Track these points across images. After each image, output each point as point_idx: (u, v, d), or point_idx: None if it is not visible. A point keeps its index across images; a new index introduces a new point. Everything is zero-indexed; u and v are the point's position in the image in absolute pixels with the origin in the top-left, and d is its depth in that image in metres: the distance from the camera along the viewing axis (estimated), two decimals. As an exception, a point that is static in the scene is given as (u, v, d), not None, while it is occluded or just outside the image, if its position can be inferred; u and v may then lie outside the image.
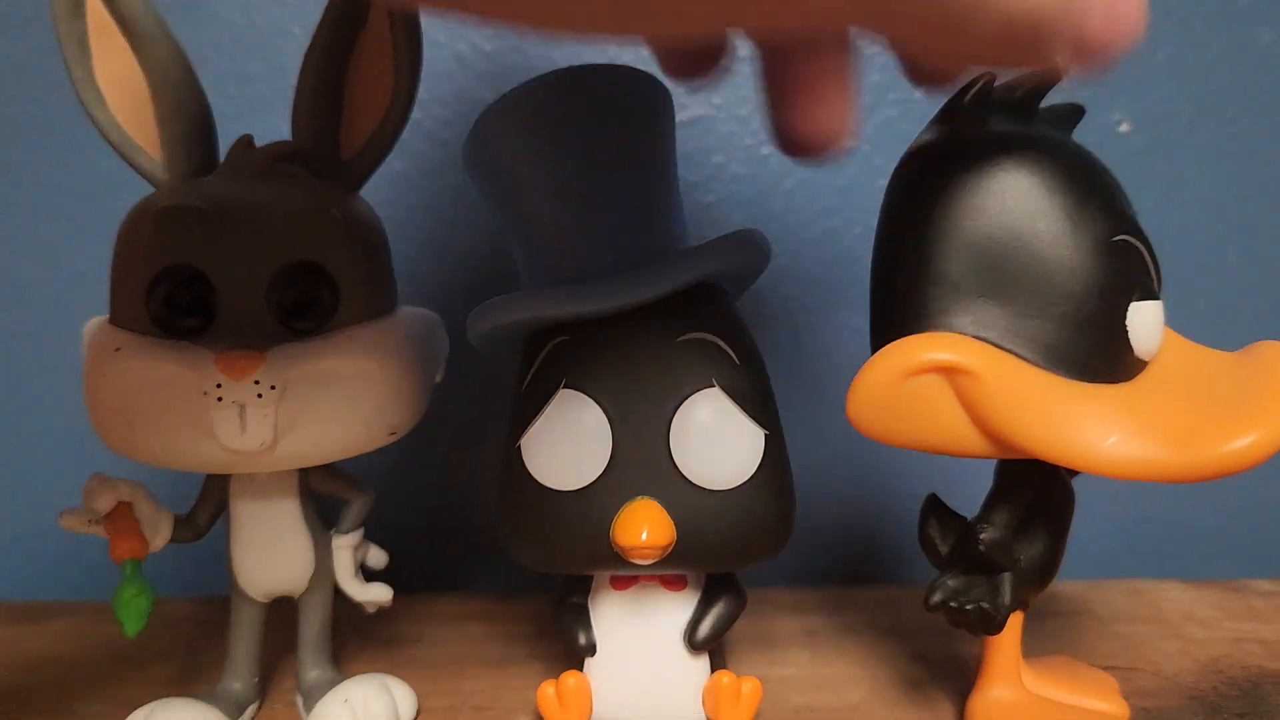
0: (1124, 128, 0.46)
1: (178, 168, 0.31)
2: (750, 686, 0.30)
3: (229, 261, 0.29)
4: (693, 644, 0.30)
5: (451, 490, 0.48)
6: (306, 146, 0.31)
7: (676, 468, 0.28)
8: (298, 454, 0.29)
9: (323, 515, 0.33)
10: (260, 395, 0.28)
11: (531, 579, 0.47)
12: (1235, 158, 0.46)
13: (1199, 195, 0.46)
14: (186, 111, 0.31)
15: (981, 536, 0.29)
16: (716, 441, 0.28)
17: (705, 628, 0.30)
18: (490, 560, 0.48)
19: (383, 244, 0.32)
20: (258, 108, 0.44)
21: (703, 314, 0.29)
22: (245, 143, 0.31)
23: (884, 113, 0.46)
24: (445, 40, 0.44)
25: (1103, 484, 0.29)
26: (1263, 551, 0.48)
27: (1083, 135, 0.30)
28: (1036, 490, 0.30)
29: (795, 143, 0.22)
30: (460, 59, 0.44)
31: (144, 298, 0.29)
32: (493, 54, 0.45)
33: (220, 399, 0.28)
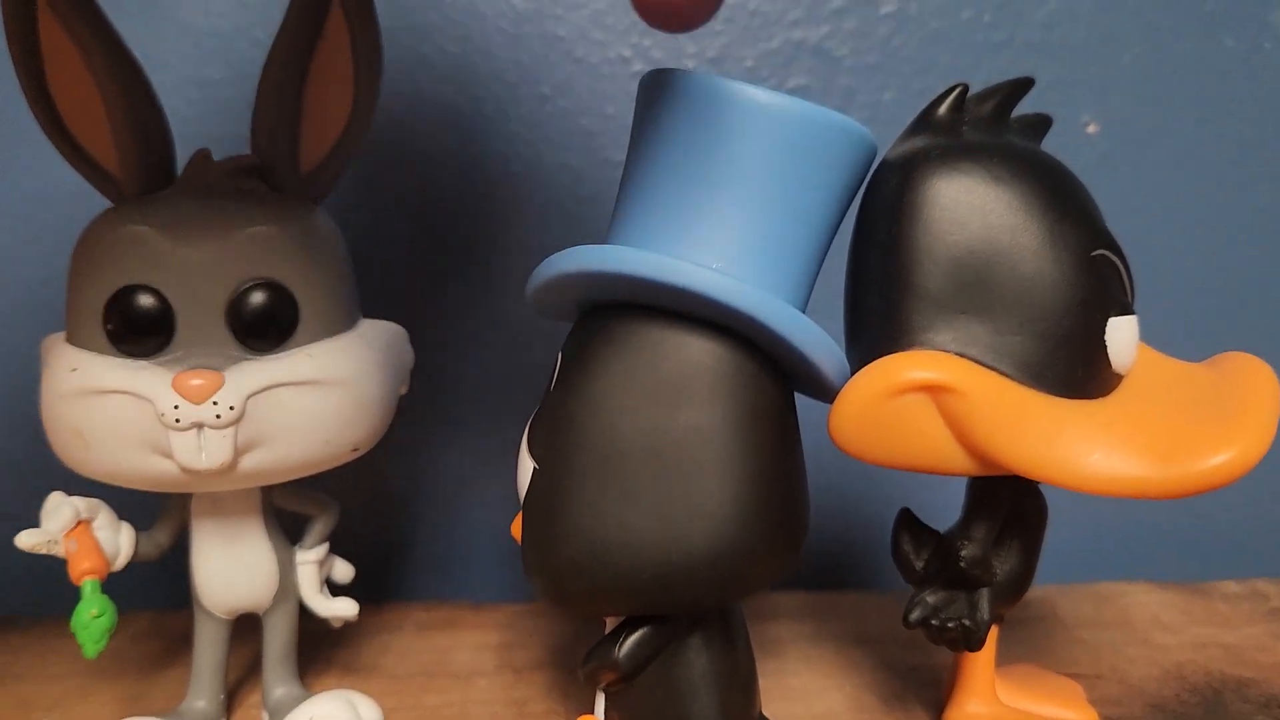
0: (1091, 128, 0.46)
1: (134, 182, 0.30)
2: None
3: (186, 281, 0.28)
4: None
5: (419, 497, 0.48)
6: (265, 160, 0.31)
7: None
8: (257, 473, 0.29)
9: (286, 530, 0.33)
10: (218, 416, 0.27)
11: (497, 587, 0.47)
12: (1200, 162, 0.46)
13: (1164, 199, 0.46)
14: (142, 125, 0.30)
15: (963, 554, 0.29)
16: None
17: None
18: (457, 568, 0.48)
19: (343, 258, 0.32)
20: (218, 112, 0.43)
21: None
22: (202, 156, 0.31)
23: (853, 115, 0.45)
24: (410, 42, 0.44)
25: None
26: (1229, 552, 0.48)
27: (1050, 136, 0.30)
28: (1012, 504, 0.30)
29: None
30: (424, 61, 0.44)
31: (100, 318, 0.28)
32: (459, 56, 0.44)
33: (178, 420, 0.27)
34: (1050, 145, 0.30)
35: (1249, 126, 0.46)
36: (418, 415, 0.43)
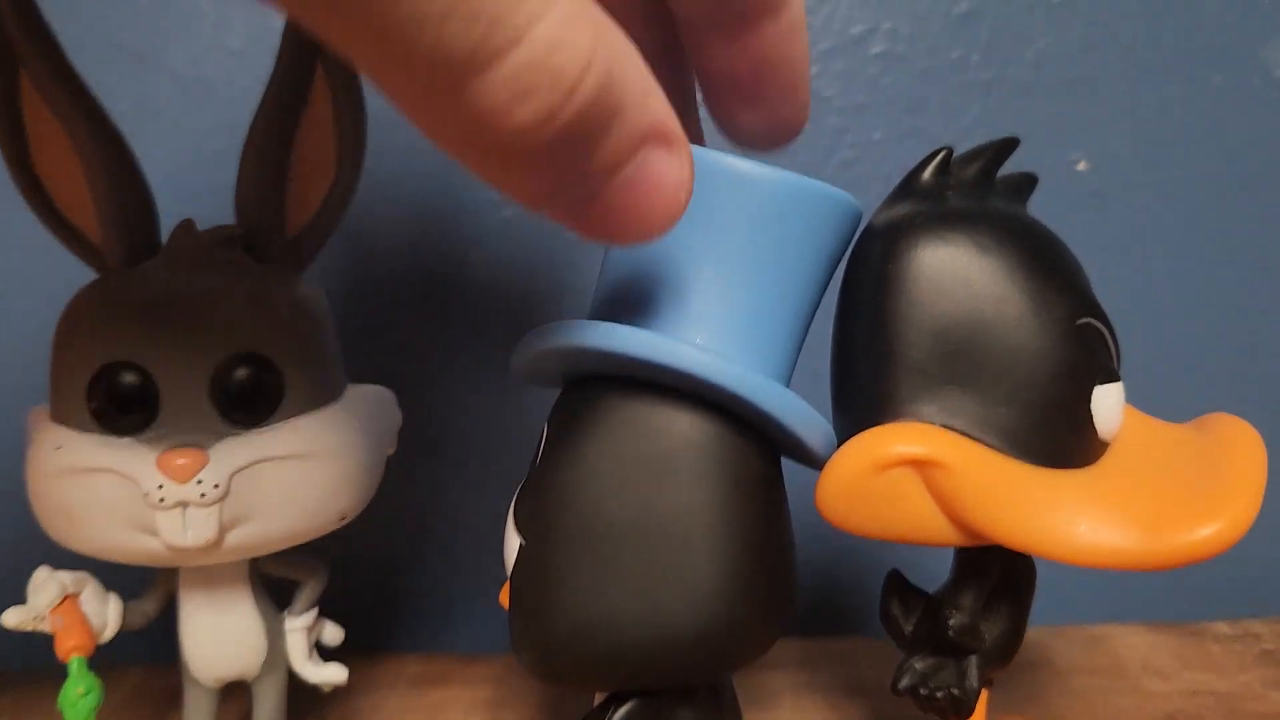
0: (1081, 166, 0.46)
1: (117, 254, 0.30)
2: None
3: (170, 357, 0.28)
4: None
5: (410, 546, 0.48)
6: (250, 228, 0.31)
7: None
8: (243, 548, 0.29)
9: (274, 596, 0.33)
10: (203, 495, 0.27)
11: (490, 637, 0.47)
12: (1190, 198, 0.46)
13: (1154, 236, 0.46)
14: (125, 198, 0.30)
15: (951, 623, 0.29)
16: None
17: None
18: (450, 618, 0.48)
19: (329, 328, 0.32)
20: (207, 162, 0.43)
21: None
22: (186, 228, 0.31)
23: (843, 154, 0.46)
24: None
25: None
26: (1221, 592, 0.48)
27: (1040, 174, 0.29)
28: (1000, 570, 0.30)
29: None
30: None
31: (84, 395, 0.28)
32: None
33: (163, 500, 0.27)
34: (1040, 183, 0.30)
35: (1239, 162, 0.46)
36: (408, 469, 0.43)
